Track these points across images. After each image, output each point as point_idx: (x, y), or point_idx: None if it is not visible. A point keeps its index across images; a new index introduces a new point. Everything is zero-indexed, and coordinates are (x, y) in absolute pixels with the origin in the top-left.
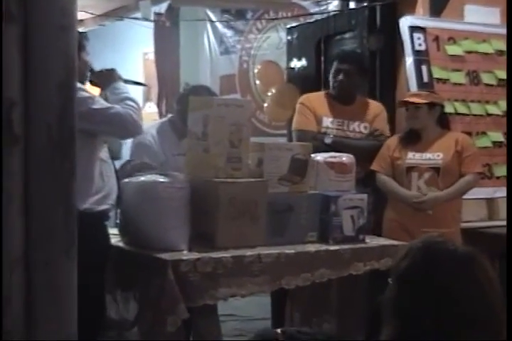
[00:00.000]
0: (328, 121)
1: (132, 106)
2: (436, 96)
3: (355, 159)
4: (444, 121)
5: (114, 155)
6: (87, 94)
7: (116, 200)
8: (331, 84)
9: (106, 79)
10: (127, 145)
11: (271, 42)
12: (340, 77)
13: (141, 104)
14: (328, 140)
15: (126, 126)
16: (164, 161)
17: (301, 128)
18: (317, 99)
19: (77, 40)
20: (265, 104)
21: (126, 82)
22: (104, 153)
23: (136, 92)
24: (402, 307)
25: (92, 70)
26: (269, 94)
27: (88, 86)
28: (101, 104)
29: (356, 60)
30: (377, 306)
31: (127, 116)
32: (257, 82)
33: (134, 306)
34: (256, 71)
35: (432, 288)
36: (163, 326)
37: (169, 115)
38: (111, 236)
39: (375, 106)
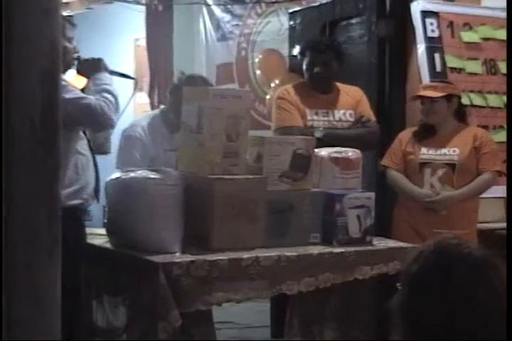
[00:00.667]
0: (312, 113)
1: (107, 99)
2: (454, 87)
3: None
4: (461, 114)
5: (100, 149)
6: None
7: (94, 195)
8: (306, 75)
9: (90, 68)
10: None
11: (271, 27)
12: (317, 68)
13: (131, 95)
14: (318, 134)
15: (95, 118)
16: (155, 156)
17: (286, 125)
18: (296, 91)
19: (61, 24)
20: (267, 96)
21: (112, 73)
22: (82, 146)
23: (125, 82)
24: (412, 313)
25: (78, 59)
26: (272, 85)
27: (74, 75)
28: (74, 93)
29: (329, 47)
30: (386, 312)
31: (97, 108)
32: (258, 71)
33: (123, 312)
34: (257, 60)
35: (445, 294)
36: (154, 333)
37: (161, 106)
38: (98, 236)
39: (354, 91)
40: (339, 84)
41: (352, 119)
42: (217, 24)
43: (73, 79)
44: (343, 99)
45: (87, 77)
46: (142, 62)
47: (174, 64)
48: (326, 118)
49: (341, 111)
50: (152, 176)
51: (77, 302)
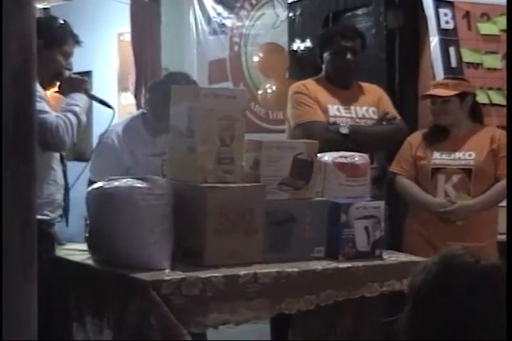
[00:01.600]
0: (334, 109)
1: (69, 120)
2: (467, 84)
3: (374, 150)
4: (476, 114)
5: (82, 156)
6: None
7: (63, 212)
8: (331, 65)
9: (70, 86)
10: None
11: (266, 20)
12: (348, 56)
13: (115, 95)
14: (344, 130)
15: (45, 135)
16: (133, 165)
17: (309, 120)
18: (314, 86)
19: (35, 18)
20: (259, 92)
21: (92, 97)
22: (52, 159)
23: (110, 80)
24: (417, 328)
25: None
26: (260, 92)
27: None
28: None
29: (358, 35)
30: (391, 328)
31: (52, 127)
32: (256, 71)
33: (108, 336)
34: (257, 59)
35: (449, 307)
36: None
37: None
38: (79, 252)
39: (374, 88)
40: (357, 81)
41: (375, 117)
42: (208, 17)
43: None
44: (364, 96)
45: (63, 95)
46: (127, 59)
47: (162, 61)
48: (348, 115)
49: (364, 108)
50: (138, 185)
51: (53, 324)
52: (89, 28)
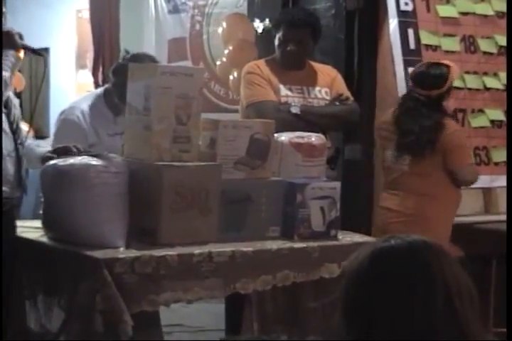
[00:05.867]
0: (286, 89)
1: None
2: None
3: (325, 130)
4: None
5: (38, 133)
6: None
7: (17, 189)
8: (277, 52)
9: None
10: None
11: None
12: (290, 46)
13: (73, 72)
14: (295, 109)
15: None
16: (96, 142)
17: (260, 100)
18: (266, 66)
19: None
20: (218, 62)
21: (25, 48)
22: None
23: (68, 57)
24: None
25: None
26: (226, 51)
27: None
28: None
29: (306, 23)
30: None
31: None
32: (226, 50)
33: (58, 314)
34: (220, 30)
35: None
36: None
37: (105, 86)
38: (33, 230)
39: (328, 69)
40: (312, 62)
41: (328, 97)
42: None
43: None
44: (318, 77)
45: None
46: (85, 36)
47: (121, 39)
48: (300, 95)
49: (317, 89)
50: (94, 163)
51: (6, 302)
52: (48, 4)
